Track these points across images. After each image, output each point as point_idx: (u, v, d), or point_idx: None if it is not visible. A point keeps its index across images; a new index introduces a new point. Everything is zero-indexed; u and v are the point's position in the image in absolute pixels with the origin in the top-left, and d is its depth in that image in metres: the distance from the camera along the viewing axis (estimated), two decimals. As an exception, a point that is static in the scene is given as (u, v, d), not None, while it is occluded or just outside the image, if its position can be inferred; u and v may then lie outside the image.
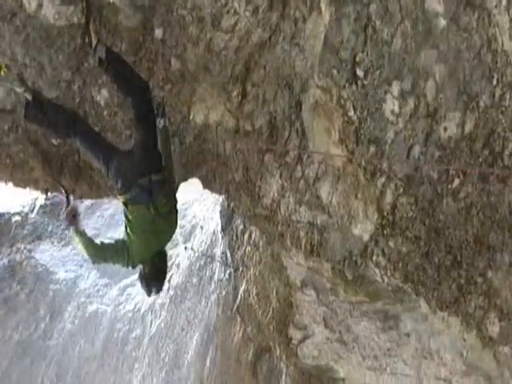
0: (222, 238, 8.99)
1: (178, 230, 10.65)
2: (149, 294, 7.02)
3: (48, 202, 10.94)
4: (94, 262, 6.68)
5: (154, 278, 6.42)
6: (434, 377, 6.83)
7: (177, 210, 6.33)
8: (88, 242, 6.20)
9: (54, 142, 7.16)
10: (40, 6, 6.18)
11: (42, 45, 6.53)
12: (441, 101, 5.20)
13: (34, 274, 12.43)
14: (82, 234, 6.12)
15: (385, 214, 5.81)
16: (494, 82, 4.90)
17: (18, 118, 6.99)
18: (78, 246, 6.32)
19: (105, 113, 6.93)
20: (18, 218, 14.00)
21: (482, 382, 6.39)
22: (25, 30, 6.37)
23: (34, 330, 11.85)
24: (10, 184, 7.93)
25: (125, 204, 5.88)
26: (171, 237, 6.47)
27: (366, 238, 6.09)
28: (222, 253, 8.97)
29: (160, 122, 6.40)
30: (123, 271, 11.74)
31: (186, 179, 7.34)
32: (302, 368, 7.93)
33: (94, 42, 6.04)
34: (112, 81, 6.30)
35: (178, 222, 6.74)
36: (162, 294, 10.70)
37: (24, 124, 6.56)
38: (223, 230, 8.95)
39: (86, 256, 6.30)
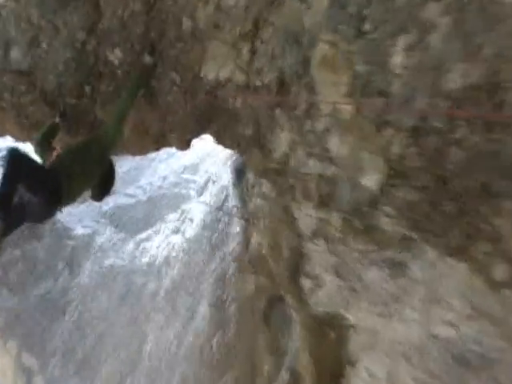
0: (234, 191, 8.97)
1: (191, 185, 10.65)
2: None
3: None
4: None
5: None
6: (442, 321, 6.83)
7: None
8: None
9: (71, 101, 7.21)
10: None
11: (56, 6, 6.54)
12: (446, 53, 5.22)
13: (52, 231, 12.44)
14: None
15: (392, 164, 5.81)
16: (501, 30, 4.91)
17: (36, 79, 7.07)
18: None
19: (119, 72, 6.96)
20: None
21: (487, 326, 6.43)
22: (39, -8, 6.40)
23: (53, 285, 11.87)
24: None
25: None
26: None
27: (374, 188, 6.10)
28: (234, 206, 8.94)
29: (145, 57, 6.47)
30: (139, 226, 11.82)
31: (198, 134, 7.36)
32: (312, 316, 7.89)
33: None
34: None
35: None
36: (176, 246, 10.83)
37: None
38: (235, 184, 8.93)
39: None
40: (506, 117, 5.02)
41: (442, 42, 5.19)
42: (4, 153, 6.26)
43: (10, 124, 7.66)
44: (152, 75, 6.86)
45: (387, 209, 6.13)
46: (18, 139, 8.17)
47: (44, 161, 7.39)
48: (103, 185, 7.00)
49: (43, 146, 7.31)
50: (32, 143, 7.53)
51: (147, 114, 7.19)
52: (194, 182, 11.43)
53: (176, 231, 11.12)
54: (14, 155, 6.25)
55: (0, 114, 7.54)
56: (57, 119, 7.24)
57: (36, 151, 7.48)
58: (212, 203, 10.01)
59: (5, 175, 6.03)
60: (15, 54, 7.01)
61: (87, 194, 6.99)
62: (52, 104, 7.23)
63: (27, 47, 6.94)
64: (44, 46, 6.87)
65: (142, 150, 8.16)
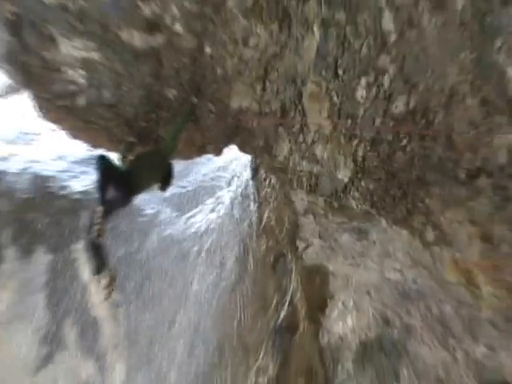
0: (251, 183, 8.99)
1: (223, 179, 10.61)
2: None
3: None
4: None
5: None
6: (392, 269, 6.84)
7: None
8: None
9: (142, 124, 7.19)
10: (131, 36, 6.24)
11: (132, 61, 6.55)
12: (393, 88, 5.25)
13: (128, 211, 12.48)
14: None
15: (358, 164, 5.84)
16: (429, 72, 4.94)
17: (119, 110, 7.10)
18: None
19: (174, 105, 6.93)
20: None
21: (422, 271, 6.44)
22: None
23: (130, 247, 11.89)
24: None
25: None
26: None
27: (345, 180, 6.11)
28: (252, 193, 8.96)
29: (193, 98, 6.52)
30: (188, 207, 11.88)
31: (228, 145, 7.37)
32: (304, 266, 7.94)
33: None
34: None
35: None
36: (213, 221, 10.96)
37: None
38: (252, 178, 8.93)
39: None
40: (434, 131, 5.07)
41: (390, 81, 5.22)
42: (95, 159, 6.36)
43: (102, 140, 7.67)
44: (196, 107, 6.86)
45: (355, 194, 6.15)
46: (107, 150, 8.18)
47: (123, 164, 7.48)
48: (166, 180, 7.02)
49: (124, 155, 7.43)
50: (118, 152, 7.59)
51: (193, 133, 7.19)
52: (225, 177, 11.43)
53: (212, 210, 11.11)
54: (102, 163, 6.36)
55: (95, 133, 7.55)
56: (132, 137, 7.29)
57: (119, 158, 7.56)
58: (237, 191, 10.02)
59: (98, 176, 6.13)
60: (105, 93, 7.00)
61: (155, 186, 7.00)
62: (130, 126, 7.23)
63: (114, 88, 6.94)
64: (124, 88, 6.88)
65: (190, 156, 8.17)
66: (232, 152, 8.40)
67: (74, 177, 13.26)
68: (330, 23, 5.38)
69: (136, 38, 6.30)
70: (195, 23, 6.02)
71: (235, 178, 10.61)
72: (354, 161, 5.85)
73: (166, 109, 6.93)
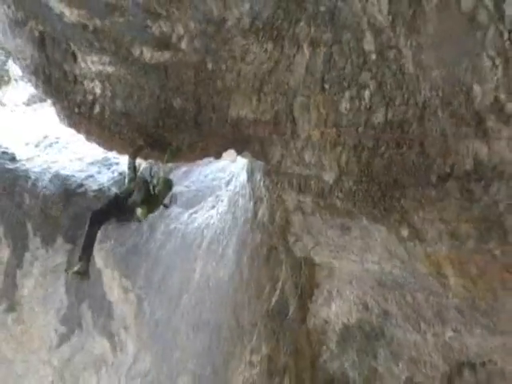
0: (248, 184, 8.94)
1: (222, 180, 10.55)
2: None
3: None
4: None
5: None
6: (371, 261, 6.85)
7: None
8: None
9: (151, 130, 7.21)
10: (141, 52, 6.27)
11: (142, 86, 6.65)
12: (373, 101, 5.27)
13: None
14: None
15: (342, 168, 5.86)
16: (404, 88, 4.98)
17: (131, 117, 7.14)
18: None
19: (179, 113, 6.93)
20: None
21: (398, 263, 6.47)
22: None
23: (140, 239, 11.89)
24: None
25: None
26: None
27: (331, 182, 6.13)
28: (248, 192, 8.90)
29: None
30: (190, 204, 11.86)
31: (227, 149, 7.35)
32: (295, 258, 7.92)
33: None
34: None
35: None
36: (213, 217, 10.96)
37: None
38: (248, 179, 8.89)
39: None
40: (409, 140, 5.11)
41: (370, 95, 5.25)
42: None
43: (116, 144, 7.65)
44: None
45: (339, 194, 6.16)
46: (120, 153, 8.20)
47: (131, 167, 7.52)
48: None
49: (133, 158, 7.48)
50: (128, 155, 7.61)
51: (196, 138, 7.14)
52: (224, 178, 11.39)
53: (213, 207, 11.08)
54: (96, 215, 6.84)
55: (109, 137, 7.49)
56: (142, 141, 7.28)
57: (129, 162, 7.59)
58: (235, 191, 10.00)
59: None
60: (118, 102, 7.01)
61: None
62: (141, 132, 7.22)
63: (125, 98, 6.95)
64: (135, 97, 6.90)
65: (193, 159, 8.18)
66: (230, 155, 8.36)
67: (90, 176, 13.31)
68: (319, 43, 5.40)
69: (146, 54, 6.32)
70: (199, 41, 6.03)
71: (233, 179, 10.57)
72: (339, 165, 5.87)
73: (171, 116, 6.93)
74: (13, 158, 13.83)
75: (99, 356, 12.29)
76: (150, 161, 8.74)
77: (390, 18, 4.74)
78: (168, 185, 7.80)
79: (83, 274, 6.22)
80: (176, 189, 12.04)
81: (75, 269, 6.26)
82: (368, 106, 5.30)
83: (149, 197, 7.31)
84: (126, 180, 7.73)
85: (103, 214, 7.28)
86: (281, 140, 6.39)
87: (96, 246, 12.06)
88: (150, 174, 7.93)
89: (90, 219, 6.98)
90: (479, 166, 4.78)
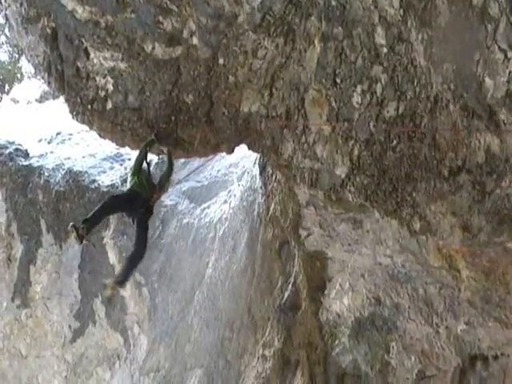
0: (260, 178, 8.98)
1: (234, 175, 10.60)
2: None
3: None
4: None
5: None
6: (383, 254, 6.91)
7: None
8: None
9: (163, 126, 7.24)
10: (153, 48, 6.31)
11: (154, 69, 6.62)
12: (385, 95, 5.29)
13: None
14: None
15: (353, 162, 5.86)
16: (416, 81, 4.99)
17: (142, 112, 7.18)
18: None
19: (191, 108, 6.96)
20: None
21: (409, 256, 6.51)
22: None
23: (153, 234, 11.83)
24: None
25: None
26: None
27: (343, 176, 6.09)
28: (260, 187, 8.95)
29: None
30: (203, 199, 11.90)
31: (238, 144, 7.37)
32: (307, 252, 7.96)
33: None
34: None
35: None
36: (225, 211, 11.03)
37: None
38: (260, 174, 8.91)
39: None
40: (420, 133, 5.13)
41: (382, 89, 5.27)
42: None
43: (128, 139, 7.70)
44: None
45: (351, 188, 6.14)
46: (132, 148, 8.24)
47: (141, 156, 7.57)
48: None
49: (144, 151, 7.49)
50: (140, 149, 7.63)
51: (208, 133, 7.22)
52: (236, 173, 11.37)
53: (225, 202, 11.09)
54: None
55: (122, 133, 7.58)
56: (153, 136, 7.32)
57: (139, 155, 7.59)
58: (247, 185, 10.02)
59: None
60: (130, 98, 7.06)
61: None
62: (152, 127, 7.25)
63: (137, 94, 7.00)
64: (147, 93, 6.94)
65: (205, 154, 8.19)
66: (242, 150, 8.40)
67: (103, 172, 13.37)
68: (330, 37, 5.43)
69: (158, 50, 6.38)
70: (210, 37, 6.08)
71: (245, 174, 10.57)
72: (350, 159, 5.87)
73: (183, 112, 6.97)
74: (26, 155, 13.96)
75: (112, 351, 12.38)
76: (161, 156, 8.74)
77: (402, 11, 4.76)
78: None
79: (79, 239, 6.27)
80: (189, 184, 12.16)
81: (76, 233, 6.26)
82: (380, 100, 5.31)
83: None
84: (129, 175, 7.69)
85: (119, 202, 7.36)
86: (292, 134, 6.39)
87: (109, 242, 12.27)
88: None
89: (106, 200, 7.10)
90: (491, 158, 4.78)
